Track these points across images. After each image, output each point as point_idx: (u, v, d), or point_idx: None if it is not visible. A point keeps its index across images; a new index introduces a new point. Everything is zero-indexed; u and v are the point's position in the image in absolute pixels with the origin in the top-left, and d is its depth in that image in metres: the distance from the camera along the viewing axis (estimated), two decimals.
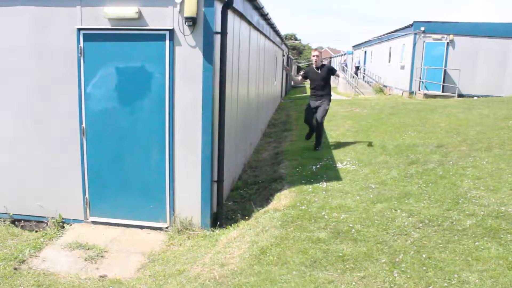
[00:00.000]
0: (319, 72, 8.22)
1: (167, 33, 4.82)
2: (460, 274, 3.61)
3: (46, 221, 5.37)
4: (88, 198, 5.30)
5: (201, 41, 4.79)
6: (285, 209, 5.37)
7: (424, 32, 19.59)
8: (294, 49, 63.82)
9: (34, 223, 5.44)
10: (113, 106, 5.02)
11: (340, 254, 4.07)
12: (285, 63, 20.45)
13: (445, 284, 3.49)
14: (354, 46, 35.69)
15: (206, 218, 5.14)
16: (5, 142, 5.33)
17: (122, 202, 5.16)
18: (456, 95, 18.78)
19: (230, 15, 5.38)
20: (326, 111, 8.22)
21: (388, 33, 24.43)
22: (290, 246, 4.32)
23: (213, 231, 5.09)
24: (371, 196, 5.67)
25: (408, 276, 3.65)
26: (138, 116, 5.02)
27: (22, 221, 5.46)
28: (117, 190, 5.14)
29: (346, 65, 33.08)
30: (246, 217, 5.42)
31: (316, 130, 8.40)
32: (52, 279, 4.03)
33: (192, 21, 4.70)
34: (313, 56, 8.36)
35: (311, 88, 8.39)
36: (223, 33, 4.97)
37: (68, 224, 5.35)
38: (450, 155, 7.51)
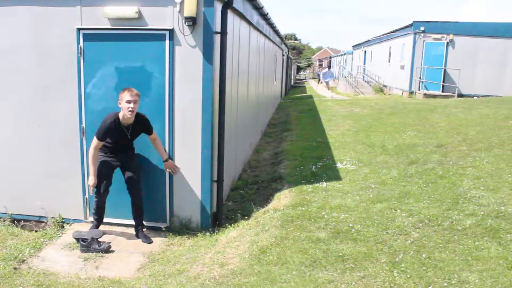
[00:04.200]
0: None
1: (167, 33, 4.82)
2: (460, 274, 3.61)
3: (46, 221, 5.37)
4: (88, 198, 5.30)
5: (201, 41, 4.79)
6: (285, 209, 5.37)
7: (424, 32, 19.58)
8: (294, 49, 63.81)
9: (34, 223, 5.44)
10: (113, 106, 5.00)
11: (340, 254, 4.07)
12: (285, 63, 20.39)
13: (445, 284, 3.49)
14: (354, 46, 35.67)
15: (206, 218, 5.14)
16: (5, 142, 5.33)
17: (121, 202, 5.15)
18: (456, 95, 18.78)
19: (230, 15, 5.38)
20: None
21: (388, 33, 24.42)
22: (290, 246, 4.32)
23: (213, 231, 5.09)
24: (371, 196, 5.67)
25: (408, 276, 3.65)
26: None
27: (22, 221, 5.46)
28: (117, 190, 5.12)
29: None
30: (246, 217, 5.42)
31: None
32: (52, 279, 4.02)
33: (192, 21, 4.70)
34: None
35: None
36: (223, 33, 4.98)
37: (68, 224, 5.35)
38: (450, 155, 7.51)
